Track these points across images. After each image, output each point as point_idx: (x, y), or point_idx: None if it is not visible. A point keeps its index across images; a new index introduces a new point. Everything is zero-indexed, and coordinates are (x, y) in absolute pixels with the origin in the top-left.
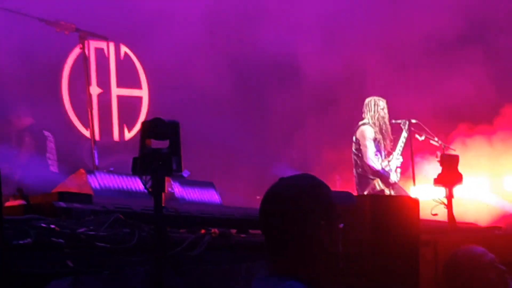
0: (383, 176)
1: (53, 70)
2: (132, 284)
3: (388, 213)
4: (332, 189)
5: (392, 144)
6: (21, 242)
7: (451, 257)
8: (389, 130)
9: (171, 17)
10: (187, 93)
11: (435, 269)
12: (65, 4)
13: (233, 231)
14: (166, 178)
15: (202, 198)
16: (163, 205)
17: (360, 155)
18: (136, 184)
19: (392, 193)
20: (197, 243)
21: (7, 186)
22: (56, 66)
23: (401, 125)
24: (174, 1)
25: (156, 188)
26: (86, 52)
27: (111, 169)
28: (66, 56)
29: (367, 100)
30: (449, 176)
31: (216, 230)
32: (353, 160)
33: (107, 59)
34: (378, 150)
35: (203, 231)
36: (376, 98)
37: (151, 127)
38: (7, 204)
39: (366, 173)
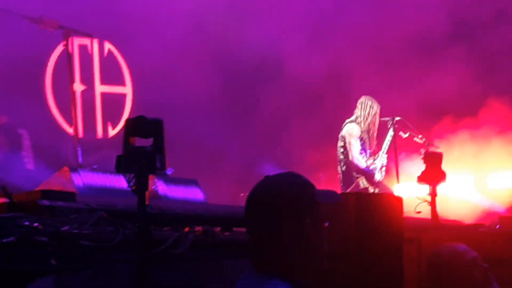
0: (368, 174)
1: (37, 67)
2: (116, 282)
3: (372, 211)
4: (317, 187)
5: (377, 143)
6: (4, 240)
7: (433, 255)
8: (375, 132)
9: (157, 15)
10: (172, 91)
11: (419, 266)
12: (49, 1)
13: (217, 229)
14: (150, 176)
15: (186, 196)
16: (146, 203)
17: (345, 152)
18: (120, 182)
19: (377, 191)
20: (181, 241)
21: None
22: (40, 63)
23: (388, 125)
24: None
25: (140, 186)
26: (70, 49)
27: (95, 166)
28: (49, 53)
29: (363, 98)
30: (433, 173)
31: (200, 228)
32: (338, 157)
33: (91, 56)
34: (363, 148)
35: (187, 229)
36: (372, 100)
37: (135, 125)
38: None
39: (350, 171)
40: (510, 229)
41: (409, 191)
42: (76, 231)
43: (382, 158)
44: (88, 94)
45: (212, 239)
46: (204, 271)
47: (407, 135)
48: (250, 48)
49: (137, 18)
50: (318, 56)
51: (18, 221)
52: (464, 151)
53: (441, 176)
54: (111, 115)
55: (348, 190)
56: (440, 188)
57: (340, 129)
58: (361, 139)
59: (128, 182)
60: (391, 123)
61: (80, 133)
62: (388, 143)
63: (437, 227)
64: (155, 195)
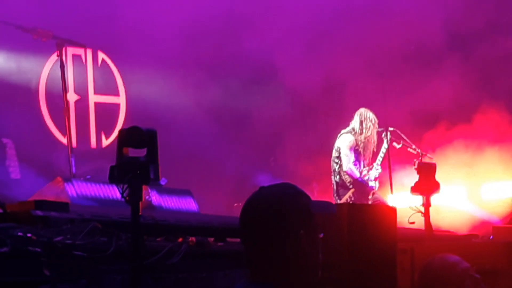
0: (361, 184)
1: (30, 77)
2: None
3: (366, 222)
4: (311, 198)
5: (371, 156)
6: None
7: (426, 266)
8: (372, 145)
9: (152, 25)
10: (166, 102)
11: (412, 277)
12: (43, 12)
13: (211, 239)
14: (144, 186)
15: (179, 206)
16: (140, 213)
17: (340, 163)
18: (113, 192)
19: (370, 202)
20: (175, 252)
21: None
22: (33, 73)
23: (382, 136)
24: (153, 9)
25: (133, 197)
26: (64, 59)
27: (88, 177)
28: (43, 63)
29: (362, 110)
30: (426, 184)
31: (194, 239)
32: (332, 168)
33: (84, 66)
34: (358, 160)
35: (180, 239)
36: (371, 113)
37: (129, 135)
38: None
39: (344, 182)
40: (504, 239)
41: (402, 201)
42: (70, 241)
43: (376, 169)
44: (82, 104)
45: (205, 249)
46: (197, 281)
47: (400, 145)
48: (246, 59)
49: (132, 28)
50: (313, 68)
51: (11, 231)
52: (457, 161)
53: (435, 187)
54: (104, 125)
55: (341, 201)
56: (434, 198)
57: (335, 139)
58: (356, 150)
59: (122, 192)
60: (385, 134)
61: (74, 143)
62: (382, 155)
63: (430, 237)
64: (149, 205)
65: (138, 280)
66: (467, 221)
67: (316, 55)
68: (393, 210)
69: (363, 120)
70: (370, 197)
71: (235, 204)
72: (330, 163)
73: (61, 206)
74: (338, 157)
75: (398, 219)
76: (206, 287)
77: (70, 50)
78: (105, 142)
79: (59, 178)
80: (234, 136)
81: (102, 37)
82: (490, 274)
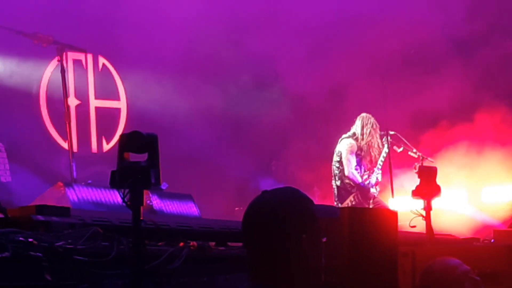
0: (363, 189)
1: (31, 82)
2: None
3: (367, 225)
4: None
5: (373, 161)
6: None
7: (427, 269)
8: (373, 151)
9: (154, 29)
10: (168, 105)
11: (413, 280)
12: (44, 17)
13: (212, 243)
14: (145, 191)
15: (180, 211)
16: (141, 218)
17: (341, 167)
18: (115, 197)
19: (371, 205)
20: (176, 256)
21: None
22: (34, 78)
23: (383, 140)
24: (154, 14)
25: (135, 202)
26: (64, 64)
27: (89, 181)
28: (44, 68)
29: (364, 115)
30: (427, 188)
31: (195, 243)
32: (333, 172)
33: (85, 71)
34: (359, 164)
35: (181, 244)
36: (372, 118)
37: (129, 140)
38: None
39: (345, 186)
40: (505, 243)
41: (403, 205)
42: (71, 246)
43: (377, 173)
44: (83, 108)
45: (206, 253)
46: (198, 285)
47: (401, 149)
48: (247, 64)
49: (132, 33)
50: (314, 73)
51: (12, 236)
52: (458, 165)
53: (436, 191)
54: (105, 130)
55: (343, 205)
56: (435, 202)
57: (336, 144)
58: (358, 155)
59: (123, 197)
60: (385, 138)
61: (75, 148)
62: (383, 159)
63: (431, 241)
64: (150, 210)
65: (139, 284)
66: (468, 224)
67: (317, 60)
68: (394, 214)
69: (365, 125)
70: (371, 201)
71: (236, 208)
72: (331, 168)
73: (62, 211)
74: (339, 162)
75: (399, 223)
76: None
77: (71, 55)
78: (106, 146)
79: (60, 183)
80: (236, 141)
81: (102, 42)
82: (491, 278)
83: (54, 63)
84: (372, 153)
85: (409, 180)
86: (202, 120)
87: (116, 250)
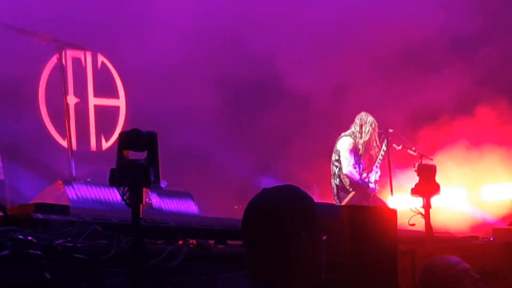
0: (362, 187)
1: (30, 80)
2: None
3: (367, 224)
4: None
5: (372, 159)
6: None
7: (426, 267)
8: (372, 149)
9: (155, 27)
10: (168, 104)
11: (412, 278)
12: (43, 14)
13: (211, 241)
14: (144, 189)
15: (180, 209)
16: (140, 216)
17: (339, 166)
18: (114, 195)
19: (371, 204)
20: (175, 254)
21: None
22: (33, 75)
23: (381, 137)
24: (155, 12)
25: (134, 200)
26: (63, 62)
27: (88, 179)
28: (43, 66)
29: (362, 114)
30: (427, 186)
31: (194, 241)
32: (332, 171)
33: (84, 69)
34: (357, 162)
35: (181, 242)
36: (371, 117)
37: (129, 138)
38: None
39: (344, 185)
40: (504, 240)
41: (403, 203)
42: (70, 244)
43: (375, 172)
44: (82, 106)
45: (206, 252)
46: (198, 284)
47: (400, 147)
48: (248, 63)
49: (132, 30)
50: (315, 72)
51: (11, 234)
52: (458, 163)
53: (435, 189)
54: (104, 128)
55: (342, 204)
56: (434, 200)
57: (336, 141)
58: (356, 153)
59: (122, 195)
60: (384, 135)
61: (74, 146)
62: (381, 157)
63: (431, 239)
64: (149, 208)
65: (139, 283)
66: (467, 222)
67: (317, 59)
68: (393, 212)
69: (363, 124)
70: (370, 199)
71: (236, 207)
72: (330, 166)
73: (62, 209)
74: (338, 160)
75: (398, 221)
76: None
77: (70, 53)
78: (105, 144)
79: (59, 181)
80: (236, 140)
81: (101, 40)
82: (490, 275)
83: (53, 61)
84: (371, 152)
85: (408, 178)
86: (202, 118)
87: (116, 249)
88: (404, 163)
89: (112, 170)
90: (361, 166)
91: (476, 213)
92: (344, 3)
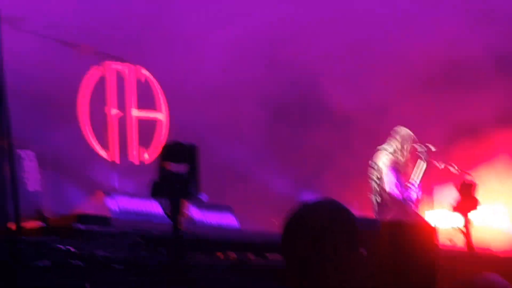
0: (404, 204)
1: (73, 92)
2: None
3: (408, 240)
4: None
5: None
6: (39, 263)
7: (466, 284)
8: (410, 166)
9: (195, 43)
10: (209, 118)
11: None
12: (87, 27)
13: (251, 254)
14: (184, 202)
15: (219, 222)
16: (181, 228)
17: (381, 183)
18: (155, 207)
19: (412, 220)
20: (215, 267)
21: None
22: (76, 87)
23: (422, 155)
24: (200, 29)
25: (175, 212)
26: (106, 74)
27: (129, 191)
28: (85, 78)
29: (402, 130)
30: (467, 203)
31: (234, 254)
32: (372, 187)
33: (125, 81)
34: (398, 180)
35: (220, 255)
36: (410, 132)
37: (170, 151)
38: (27, 225)
39: (385, 201)
40: None
41: (443, 220)
42: (111, 255)
43: (416, 189)
44: (124, 119)
45: (245, 264)
46: None
47: (442, 165)
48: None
49: (176, 45)
50: (354, 88)
51: (53, 244)
52: (499, 180)
53: (474, 204)
54: (146, 140)
55: (383, 220)
56: (475, 217)
57: (373, 157)
58: (397, 170)
59: (163, 207)
60: (425, 152)
61: (116, 158)
62: (422, 173)
63: (471, 257)
64: (190, 221)
65: None
66: (508, 241)
67: (359, 77)
68: (434, 229)
69: (404, 140)
70: (411, 216)
71: (273, 220)
72: (369, 182)
73: (103, 220)
74: (379, 178)
75: (439, 238)
76: None
77: (112, 65)
78: (146, 157)
79: (100, 192)
80: (277, 155)
81: (145, 53)
82: None
83: (95, 73)
84: (411, 169)
85: (449, 195)
86: (243, 134)
87: (156, 260)
88: (444, 180)
89: (153, 183)
90: (401, 183)
91: None
92: (385, 21)
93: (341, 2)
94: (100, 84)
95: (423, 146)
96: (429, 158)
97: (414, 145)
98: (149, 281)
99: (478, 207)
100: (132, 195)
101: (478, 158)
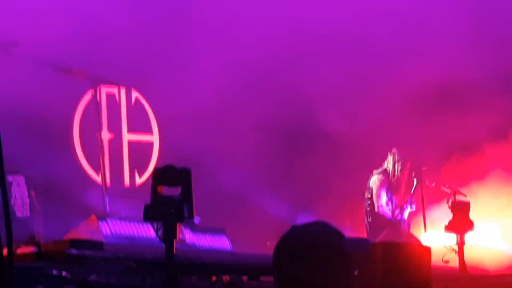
0: (394, 224)
1: (65, 116)
2: None
3: (400, 261)
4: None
5: (404, 197)
6: None
7: None
8: (404, 186)
9: (186, 64)
10: (202, 142)
11: None
12: (78, 51)
13: (244, 278)
14: (178, 224)
15: (213, 245)
16: (174, 252)
17: (372, 204)
18: (148, 230)
19: (404, 241)
20: None
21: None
22: (68, 111)
23: (414, 174)
24: (190, 49)
25: (168, 236)
26: (98, 98)
27: (122, 215)
28: (77, 102)
29: (395, 151)
30: (460, 222)
31: (227, 277)
32: (364, 208)
33: (118, 104)
34: (390, 199)
35: (214, 278)
36: (402, 152)
37: (163, 174)
38: (19, 251)
39: (377, 222)
40: None
41: (436, 240)
42: (104, 280)
43: (408, 208)
44: (116, 142)
45: (239, 287)
46: None
47: (433, 184)
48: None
49: (167, 67)
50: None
51: (46, 270)
52: (491, 199)
53: (469, 225)
54: (138, 163)
55: (375, 240)
56: (468, 237)
57: (369, 179)
58: (388, 191)
59: (156, 231)
60: (417, 172)
61: (108, 182)
62: (414, 192)
63: (465, 277)
64: (183, 244)
65: None
66: (502, 260)
67: (352, 100)
68: (427, 250)
69: (396, 161)
70: (403, 236)
71: (268, 243)
72: (363, 204)
73: (96, 245)
74: (370, 198)
75: (432, 258)
76: None
77: (104, 89)
78: (139, 180)
79: (93, 216)
80: (271, 179)
81: (136, 76)
82: None
83: (87, 97)
84: (403, 189)
85: (442, 215)
86: (237, 157)
87: (149, 284)
88: (437, 199)
89: (146, 206)
90: (393, 203)
91: (510, 250)
92: (377, 42)
93: (335, 27)
94: (93, 107)
95: (415, 166)
96: (422, 177)
97: (406, 164)
98: None
99: (472, 228)
100: (125, 218)
101: (471, 176)
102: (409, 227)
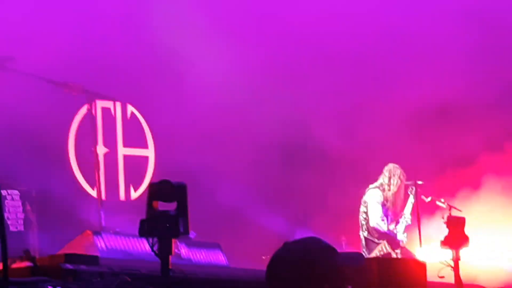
0: (390, 238)
1: (60, 130)
2: None
3: (395, 276)
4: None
5: (399, 211)
6: None
7: None
8: (399, 201)
9: (182, 79)
10: (199, 157)
11: None
12: (73, 65)
13: None
14: (173, 239)
15: (208, 260)
16: (169, 267)
17: (367, 218)
18: (143, 245)
19: (399, 256)
20: None
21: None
22: (63, 126)
23: (409, 189)
24: (185, 64)
25: (163, 251)
26: (93, 112)
27: (117, 230)
28: (73, 117)
29: (391, 166)
30: (456, 238)
31: None
32: (360, 222)
33: (113, 119)
34: (386, 214)
35: None
36: (400, 169)
37: (159, 189)
38: (14, 266)
39: (372, 236)
40: None
41: (432, 255)
42: None
43: (404, 223)
44: (111, 156)
45: None
46: None
47: (429, 199)
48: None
49: (162, 82)
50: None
51: (41, 285)
52: (487, 213)
53: (464, 241)
54: (133, 178)
55: (370, 256)
56: (464, 252)
57: (364, 193)
58: (384, 205)
59: (151, 246)
60: (412, 187)
61: (103, 196)
62: (409, 209)
63: None
64: (178, 259)
65: None
66: (497, 275)
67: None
68: (422, 265)
69: (392, 176)
70: (398, 251)
71: (263, 257)
72: (358, 218)
73: (91, 260)
74: (366, 213)
75: (427, 273)
76: None
77: (100, 103)
78: (134, 194)
79: (88, 231)
80: (267, 195)
81: (131, 90)
82: None
83: (83, 111)
84: (399, 204)
85: (437, 230)
86: (234, 173)
87: None
88: (433, 214)
89: (141, 221)
90: (389, 217)
91: (507, 265)
92: (374, 59)
93: (333, 44)
94: (88, 122)
95: (410, 180)
96: (417, 192)
97: (402, 179)
98: None
99: (467, 243)
100: (120, 233)
101: (466, 189)
102: (404, 242)
